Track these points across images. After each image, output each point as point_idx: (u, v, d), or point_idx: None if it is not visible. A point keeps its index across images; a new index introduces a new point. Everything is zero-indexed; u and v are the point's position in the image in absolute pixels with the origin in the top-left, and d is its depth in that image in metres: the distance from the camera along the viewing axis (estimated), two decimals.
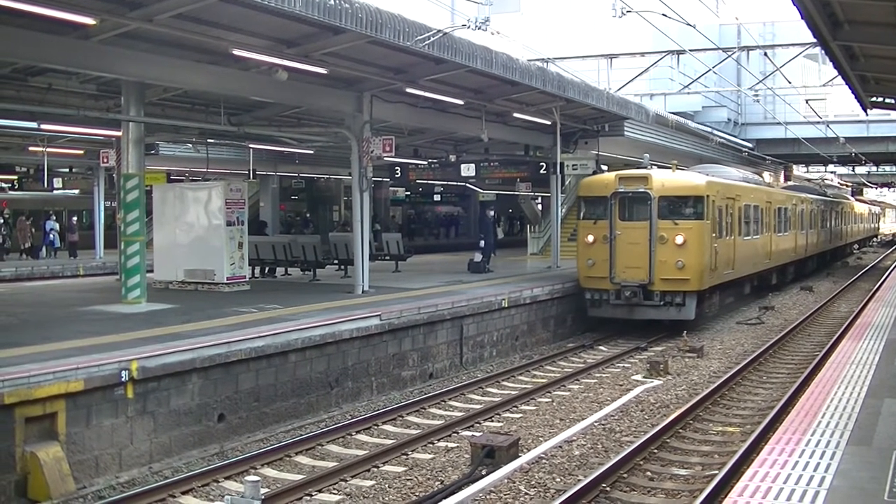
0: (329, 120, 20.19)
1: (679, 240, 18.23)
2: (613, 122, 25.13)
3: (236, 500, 7.31)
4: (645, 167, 19.71)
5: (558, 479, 9.11)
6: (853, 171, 60.93)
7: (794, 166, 53.72)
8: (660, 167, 20.56)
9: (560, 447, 10.26)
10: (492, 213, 26.04)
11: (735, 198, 21.30)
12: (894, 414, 8.25)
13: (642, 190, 18.62)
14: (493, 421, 12.14)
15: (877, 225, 72.80)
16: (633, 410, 12.17)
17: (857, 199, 59.15)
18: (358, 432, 11.52)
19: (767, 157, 43.99)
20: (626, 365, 16.31)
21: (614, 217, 18.80)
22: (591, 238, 19.16)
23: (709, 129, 36.54)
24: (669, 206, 18.66)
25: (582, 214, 20.00)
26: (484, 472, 9.26)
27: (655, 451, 10.13)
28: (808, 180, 53.06)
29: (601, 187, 19.32)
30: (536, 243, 32.66)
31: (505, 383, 14.88)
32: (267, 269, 22.43)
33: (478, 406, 13.03)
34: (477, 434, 10.98)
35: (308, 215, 43.95)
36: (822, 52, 16.26)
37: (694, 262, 18.37)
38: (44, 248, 33.19)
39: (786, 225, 28.20)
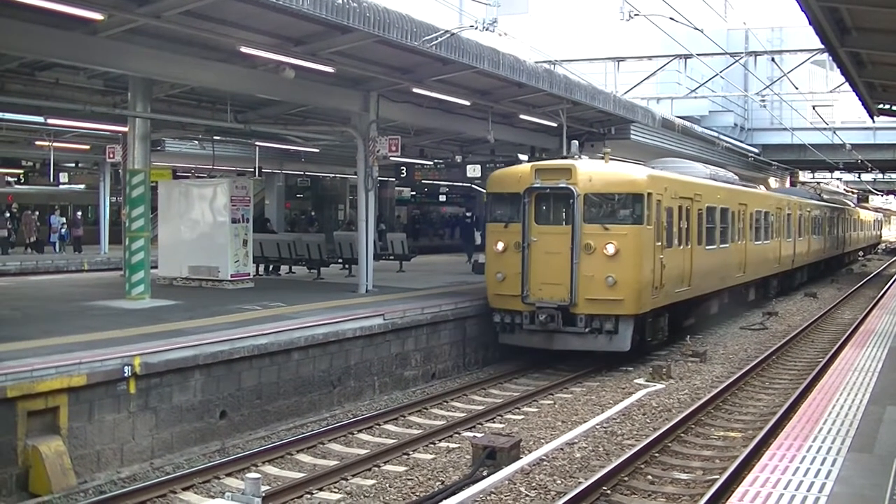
0: (335, 119, 20.20)
1: (610, 249, 14.61)
2: (620, 126, 25.09)
3: (237, 496, 7.32)
4: (572, 156, 16.20)
5: (559, 481, 9.11)
6: (859, 177, 60.79)
7: (801, 172, 53.66)
8: (591, 158, 17.19)
9: (561, 449, 10.25)
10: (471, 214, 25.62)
11: (694, 198, 17.68)
12: None
13: (564, 185, 14.95)
14: (494, 422, 12.16)
15: (879, 233, 72.30)
16: (634, 414, 12.15)
17: (860, 206, 58.91)
18: (359, 431, 11.55)
19: (773, 163, 43.94)
20: (629, 368, 16.27)
21: (529, 219, 15.27)
22: (500, 245, 15.61)
23: (715, 134, 36.49)
24: (599, 207, 15.02)
25: (491, 216, 16.38)
26: (485, 473, 9.26)
27: (657, 454, 10.12)
28: (803, 184, 52.84)
29: (513, 182, 15.70)
30: None
31: (507, 385, 14.89)
32: (271, 266, 22.48)
33: (480, 407, 13.04)
34: (478, 435, 11.00)
35: (313, 214, 43.96)
36: (830, 58, 16.28)
37: (629, 277, 14.70)
38: (56, 243, 33.26)
39: (767, 232, 24.64)
